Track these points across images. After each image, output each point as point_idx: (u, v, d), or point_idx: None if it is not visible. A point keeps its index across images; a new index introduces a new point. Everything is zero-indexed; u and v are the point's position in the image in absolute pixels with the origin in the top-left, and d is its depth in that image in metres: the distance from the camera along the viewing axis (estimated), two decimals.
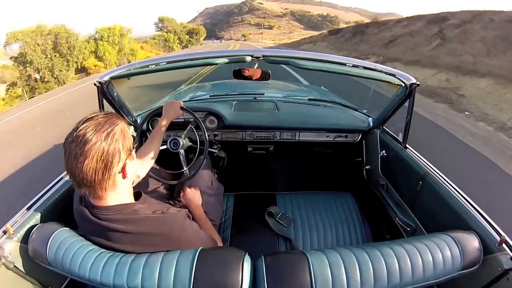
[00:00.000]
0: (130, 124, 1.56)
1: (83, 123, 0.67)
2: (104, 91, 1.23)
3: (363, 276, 0.64)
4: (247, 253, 0.69)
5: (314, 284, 0.62)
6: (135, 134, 1.49)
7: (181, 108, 1.27)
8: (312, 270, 0.64)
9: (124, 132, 0.72)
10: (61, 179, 1.07)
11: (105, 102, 1.29)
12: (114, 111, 1.31)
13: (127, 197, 0.77)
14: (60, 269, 0.74)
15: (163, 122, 1.21)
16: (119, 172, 0.70)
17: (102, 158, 0.65)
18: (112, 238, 0.73)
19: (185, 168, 1.32)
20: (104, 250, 0.72)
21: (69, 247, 0.73)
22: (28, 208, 0.91)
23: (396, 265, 0.66)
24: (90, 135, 0.65)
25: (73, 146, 0.65)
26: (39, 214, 0.89)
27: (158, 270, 0.64)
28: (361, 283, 0.63)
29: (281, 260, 0.68)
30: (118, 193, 0.73)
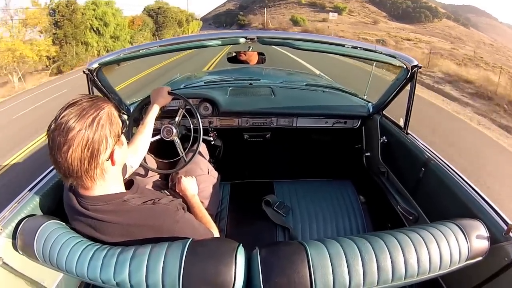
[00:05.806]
0: (123, 112, 1.51)
1: (66, 109, 0.62)
2: (94, 79, 1.18)
3: (366, 268, 0.60)
4: (241, 244, 0.65)
5: (313, 277, 0.58)
6: (124, 118, 1.46)
7: (169, 93, 1.23)
8: (311, 261, 0.59)
9: (111, 116, 0.67)
10: (51, 170, 1.02)
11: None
12: (100, 95, 1.27)
13: (117, 187, 0.73)
14: (48, 264, 0.71)
15: (153, 110, 1.17)
16: (107, 160, 0.66)
17: (87, 146, 0.61)
18: (100, 229, 0.70)
19: (181, 154, 1.29)
20: (92, 242, 0.69)
21: (56, 240, 0.69)
22: (18, 202, 0.87)
23: (401, 256, 0.62)
24: (73, 122, 0.60)
25: (56, 135, 0.60)
26: (29, 208, 0.85)
27: (145, 263, 0.60)
28: (364, 275, 0.59)
29: (277, 251, 0.64)
30: (107, 182, 0.69)
